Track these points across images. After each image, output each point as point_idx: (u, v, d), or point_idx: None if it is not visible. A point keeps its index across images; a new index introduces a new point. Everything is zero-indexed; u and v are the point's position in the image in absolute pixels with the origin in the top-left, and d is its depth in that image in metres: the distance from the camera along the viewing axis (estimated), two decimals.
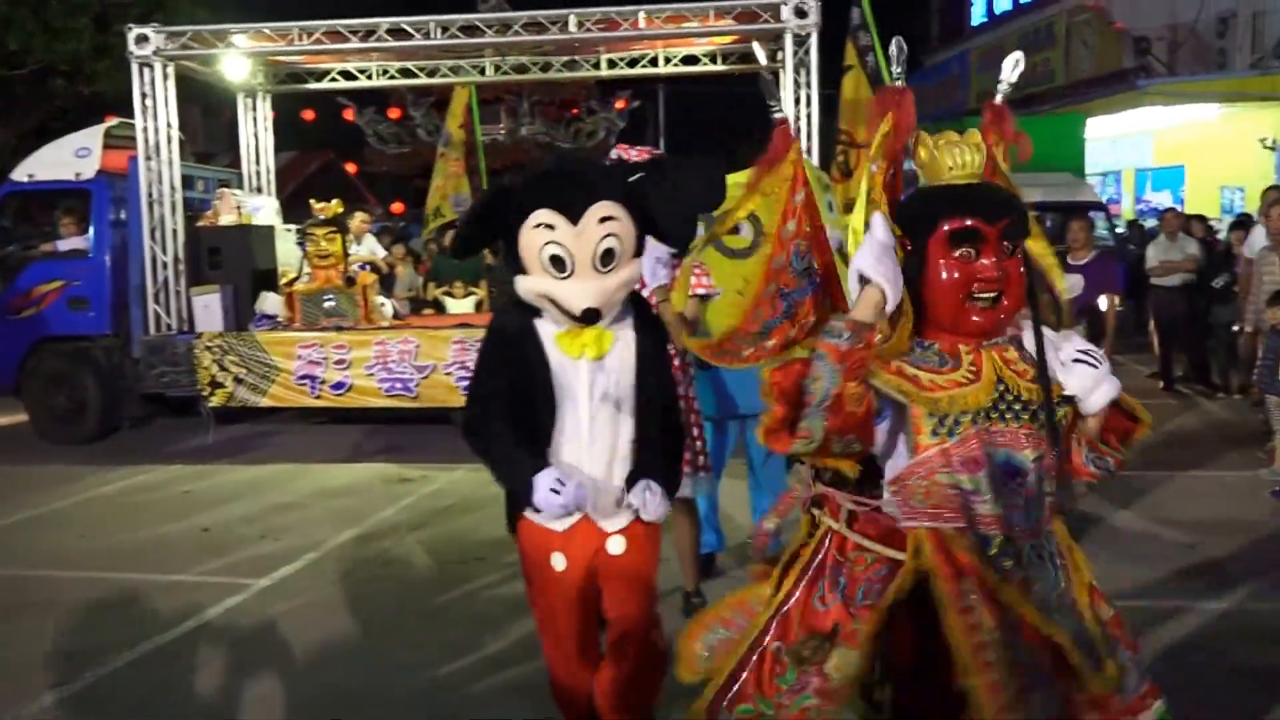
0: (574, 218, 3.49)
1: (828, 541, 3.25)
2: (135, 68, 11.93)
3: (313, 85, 14.14)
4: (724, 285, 5.96)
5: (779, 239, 3.64)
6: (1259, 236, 11.04)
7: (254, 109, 14.04)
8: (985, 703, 2.84)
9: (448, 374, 10.68)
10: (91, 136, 12.28)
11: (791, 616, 3.22)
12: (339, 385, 10.92)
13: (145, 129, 11.88)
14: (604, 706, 3.86)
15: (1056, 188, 16.12)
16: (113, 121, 12.58)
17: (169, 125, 11.99)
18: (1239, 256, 11.83)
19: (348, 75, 13.85)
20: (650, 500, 3.67)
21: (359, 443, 11.27)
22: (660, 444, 3.80)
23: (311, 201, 11.50)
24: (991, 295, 2.99)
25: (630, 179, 3.67)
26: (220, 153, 22.50)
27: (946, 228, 2.98)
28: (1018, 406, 3.03)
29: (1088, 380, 3.08)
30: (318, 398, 11.03)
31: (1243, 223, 13.41)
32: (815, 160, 10.77)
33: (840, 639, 3.09)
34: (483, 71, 14.00)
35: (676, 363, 5.32)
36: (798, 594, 3.24)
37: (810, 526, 3.37)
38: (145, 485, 9.68)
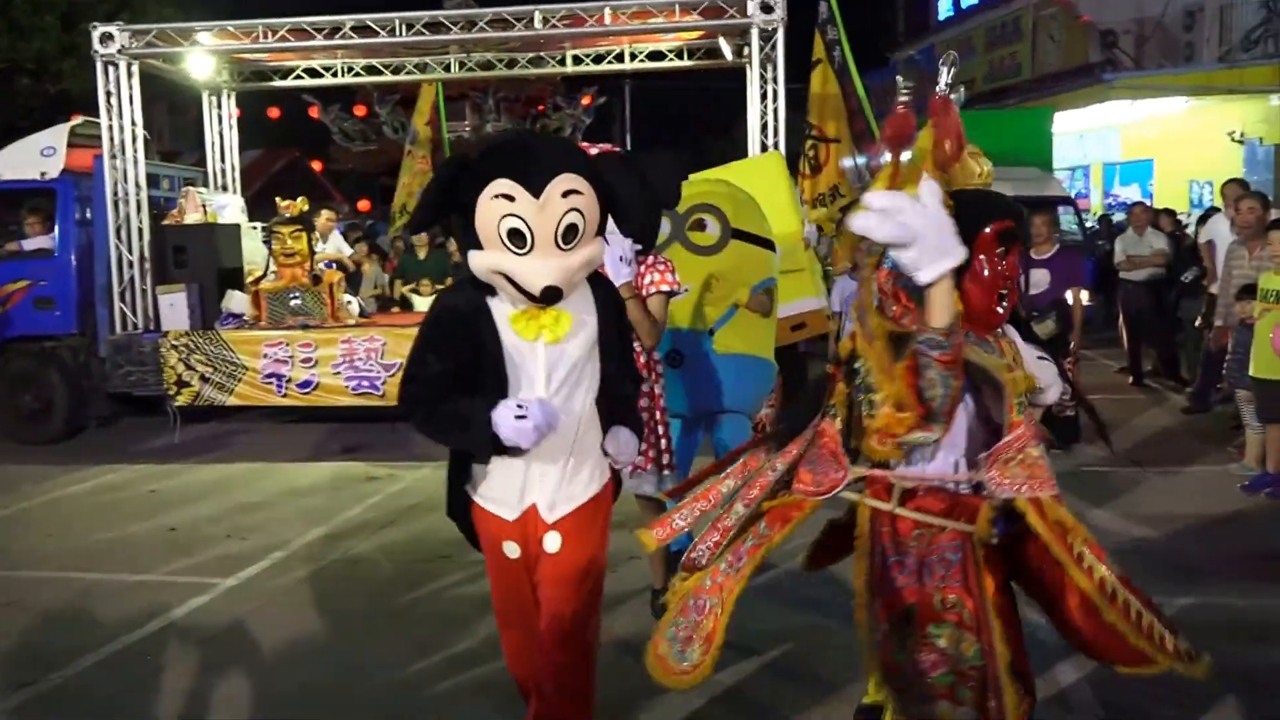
0: (536, 190, 3.24)
1: (876, 524, 3.39)
2: (100, 66, 11.91)
3: (278, 83, 14.09)
4: (690, 282, 5.96)
5: None
6: (1218, 224, 11.10)
7: (219, 107, 14.02)
8: (1129, 631, 3.10)
9: None
10: (57, 135, 12.17)
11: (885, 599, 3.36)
12: (305, 384, 10.88)
13: (110, 127, 11.85)
14: (536, 692, 3.68)
15: (1024, 182, 16.14)
16: (78, 120, 12.47)
17: (134, 124, 11.96)
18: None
19: (313, 73, 13.83)
20: (625, 444, 3.65)
21: (325, 441, 11.21)
22: (624, 398, 3.76)
23: (277, 199, 11.42)
24: (1008, 291, 3.30)
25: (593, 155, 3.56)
26: (186, 151, 22.36)
27: (993, 229, 3.25)
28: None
29: (1049, 375, 3.46)
30: (284, 396, 10.98)
31: (1210, 217, 13.47)
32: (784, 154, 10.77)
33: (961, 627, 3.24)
34: (448, 69, 13.97)
35: (643, 360, 5.29)
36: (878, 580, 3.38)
37: (848, 515, 3.57)
38: (112, 485, 9.62)
